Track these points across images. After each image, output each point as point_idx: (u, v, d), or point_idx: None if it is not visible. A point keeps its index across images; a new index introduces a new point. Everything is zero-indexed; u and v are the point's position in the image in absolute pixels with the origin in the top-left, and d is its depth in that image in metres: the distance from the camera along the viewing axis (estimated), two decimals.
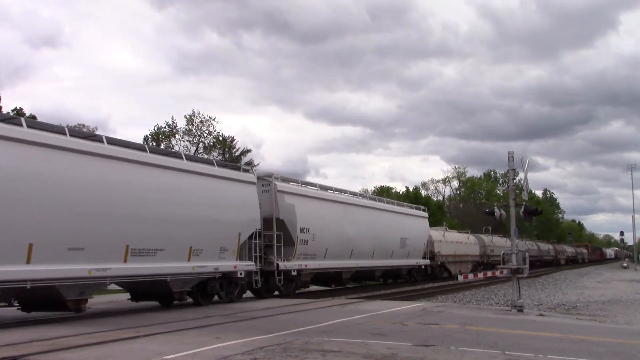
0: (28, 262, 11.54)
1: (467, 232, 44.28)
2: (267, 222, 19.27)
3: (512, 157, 17.26)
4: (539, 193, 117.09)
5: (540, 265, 62.03)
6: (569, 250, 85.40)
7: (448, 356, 8.25)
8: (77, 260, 12.44)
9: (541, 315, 16.93)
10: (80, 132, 15.79)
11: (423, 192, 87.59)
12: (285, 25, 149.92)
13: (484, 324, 12.83)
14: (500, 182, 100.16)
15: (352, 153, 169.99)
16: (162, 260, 14.67)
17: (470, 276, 29.17)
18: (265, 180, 19.91)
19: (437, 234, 36.53)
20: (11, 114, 34.98)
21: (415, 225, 31.14)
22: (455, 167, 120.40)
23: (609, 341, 11.08)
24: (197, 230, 15.73)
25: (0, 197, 11.01)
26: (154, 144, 50.37)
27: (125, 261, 13.68)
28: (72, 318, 13.21)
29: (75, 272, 12.46)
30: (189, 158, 16.93)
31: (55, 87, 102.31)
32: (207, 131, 51.48)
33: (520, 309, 16.65)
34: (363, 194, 30.59)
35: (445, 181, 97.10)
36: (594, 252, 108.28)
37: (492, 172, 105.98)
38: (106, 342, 9.30)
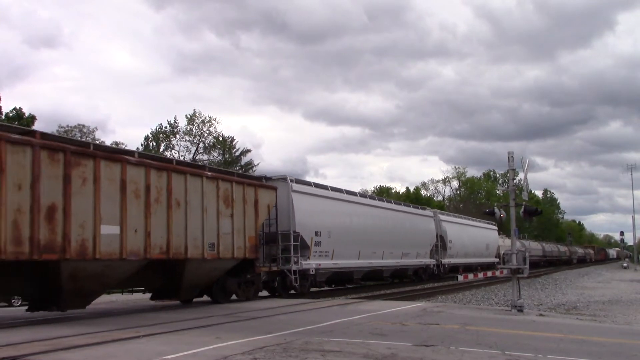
0: (358, 258, 25.29)
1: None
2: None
3: (512, 157, 17.24)
4: (538, 193, 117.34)
5: (559, 264, 74.42)
6: (580, 251, 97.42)
7: (448, 356, 8.25)
8: (378, 258, 27.27)
9: (541, 315, 16.92)
10: (370, 196, 32.06)
11: (423, 193, 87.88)
12: (283, 26, 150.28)
13: (484, 324, 12.83)
14: (500, 182, 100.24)
15: (351, 153, 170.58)
16: (409, 258, 30.42)
17: (470, 276, 29.16)
18: (433, 213, 36.16)
19: (500, 240, 49.86)
20: (11, 114, 35.00)
21: (492, 235, 46.48)
22: (455, 167, 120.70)
23: (609, 341, 11.08)
24: (419, 243, 32.10)
25: (351, 229, 24.87)
26: (154, 143, 50.41)
27: (401, 258, 29.58)
28: (73, 318, 13.22)
29: (373, 264, 26.93)
30: (407, 205, 33.87)
31: (55, 87, 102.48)
32: (207, 131, 51.55)
33: (520, 309, 16.63)
34: (468, 217, 44.83)
35: (445, 181, 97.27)
36: (599, 253, 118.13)
37: (491, 172, 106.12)
38: (106, 342, 9.30)
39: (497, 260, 44.61)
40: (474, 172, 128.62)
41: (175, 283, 15.96)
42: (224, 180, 17.14)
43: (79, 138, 39.87)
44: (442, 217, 36.77)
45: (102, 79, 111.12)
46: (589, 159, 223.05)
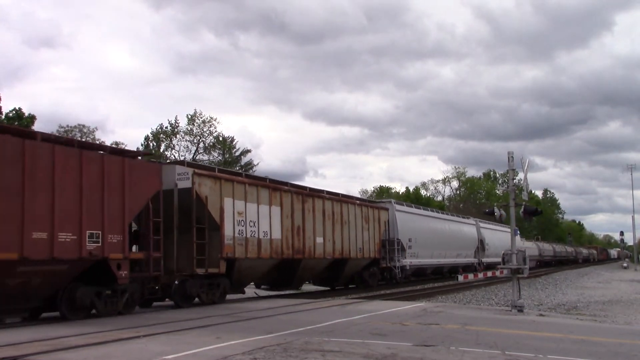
0: (431, 257, 33.49)
1: (532, 241, 65.91)
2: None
3: (512, 157, 17.24)
4: (538, 193, 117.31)
5: (567, 263, 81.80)
6: (584, 251, 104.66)
7: (448, 356, 8.25)
8: (442, 257, 35.17)
9: (541, 315, 16.92)
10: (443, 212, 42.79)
11: (423, 193, 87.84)
12: (281, 26, 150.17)
13: (484, 324, 12.83)
14: (500, 182, 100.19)
15: (350, 153, 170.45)
16: (460, 257, 38.45)
17: (470, 276, 29.16)
18: (475, 221, 43.35)
19: (521, 242, 56.91)
20: (11, 114, 34.99)
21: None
22: (455, 167, 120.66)
23: (609, 341, 11.08)
24: (467, 245, 39.69)
25: (428, 239, 32.97)
26: (154, 144, 50.39)
27: (456, 257, 37.50)
28: (72, 318, 13.20)
29: (440, 262, 35.36)
30: (459, 216, 42.69)
31: (54, 87, 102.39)
32: (208, 131, 51.50)
33: (520, 309, 16.63)
34: (498, 223, 48.71)
35: (445, 181, 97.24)
36: (602, 253, 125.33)
37: (491, 172, 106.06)
38: (106, 342, 9.30)
39: None
40: (473, 172, 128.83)
41: (336, 274, 24.76)
42: (364, 206, 26.36)
43: (79, 138, 39.85)
44: (481, 224, 44.26)
45: (101, 79, 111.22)
46: (588, 159, 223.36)
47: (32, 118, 36.00)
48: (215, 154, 52.07)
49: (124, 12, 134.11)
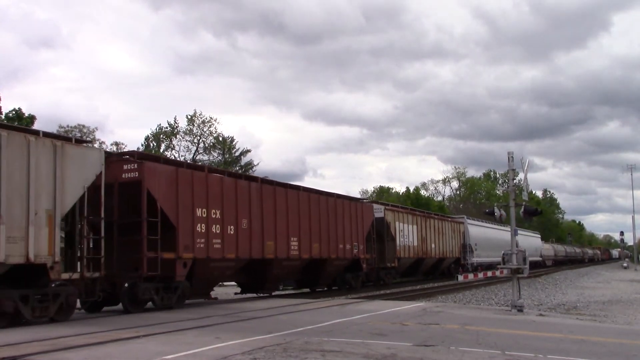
0: (486, 257, 42.78)
1: (549, 243, 74.09)
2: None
3: (512, 157, 17.24)
4: (538, 193, 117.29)
5: (576, 262, 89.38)
6: (590, 251, 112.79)
7: (448, 356, 8.25)
8: (492, 256, 40.30)
9: (541, 315, 16.92)
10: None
11: (423, 193, 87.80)
12: (280, 27, 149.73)
13: (484, 324, 12.83)
14: (500, 182, 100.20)
15: (349, 153, 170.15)
16: (494, 257, 37.63)
17: (470, 276, 29.19)
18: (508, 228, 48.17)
19: (541, 244, 65.28)
20: (10, 114, 34.98)
21: (538, 241, 63.14)
22: (455, 167, 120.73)
23: (609, 341, 11.08)
24: (504, 247, 43.96)
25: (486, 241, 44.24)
26: (155, 144, 50.41)
27: (499, 257, 39.61)
28: (72, 318, 13.21)
29: (491, 260, 41.59)
30: (500, 225, 44.45)
31: (53, 87, 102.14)
32: (208, 131, 51.50)
33: (520, 309, 16.63)
34: (527, 230, 57.11)
35: (445, 181, 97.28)
36: (604, 253, 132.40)
37: (491, 173, 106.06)
38: (106, 342, 9.30)
39: (540, 259, 63.44)
40: (472, 172, 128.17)
41: (436, 268, 36.96)
42: (452, 221, 39.15)
43: (80, 138, 39.83)
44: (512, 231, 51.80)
45: (100, 79, 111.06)
46: (587, 159, 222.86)
47: (31, 118, 35.99)
48: (215, 154, 52.12)
49: (123, 13, 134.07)
